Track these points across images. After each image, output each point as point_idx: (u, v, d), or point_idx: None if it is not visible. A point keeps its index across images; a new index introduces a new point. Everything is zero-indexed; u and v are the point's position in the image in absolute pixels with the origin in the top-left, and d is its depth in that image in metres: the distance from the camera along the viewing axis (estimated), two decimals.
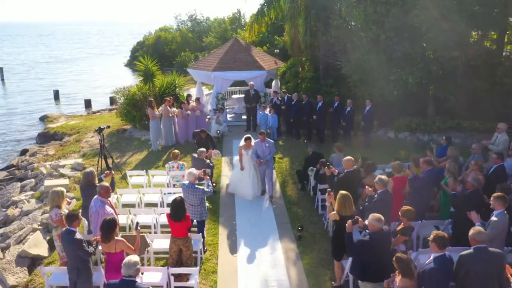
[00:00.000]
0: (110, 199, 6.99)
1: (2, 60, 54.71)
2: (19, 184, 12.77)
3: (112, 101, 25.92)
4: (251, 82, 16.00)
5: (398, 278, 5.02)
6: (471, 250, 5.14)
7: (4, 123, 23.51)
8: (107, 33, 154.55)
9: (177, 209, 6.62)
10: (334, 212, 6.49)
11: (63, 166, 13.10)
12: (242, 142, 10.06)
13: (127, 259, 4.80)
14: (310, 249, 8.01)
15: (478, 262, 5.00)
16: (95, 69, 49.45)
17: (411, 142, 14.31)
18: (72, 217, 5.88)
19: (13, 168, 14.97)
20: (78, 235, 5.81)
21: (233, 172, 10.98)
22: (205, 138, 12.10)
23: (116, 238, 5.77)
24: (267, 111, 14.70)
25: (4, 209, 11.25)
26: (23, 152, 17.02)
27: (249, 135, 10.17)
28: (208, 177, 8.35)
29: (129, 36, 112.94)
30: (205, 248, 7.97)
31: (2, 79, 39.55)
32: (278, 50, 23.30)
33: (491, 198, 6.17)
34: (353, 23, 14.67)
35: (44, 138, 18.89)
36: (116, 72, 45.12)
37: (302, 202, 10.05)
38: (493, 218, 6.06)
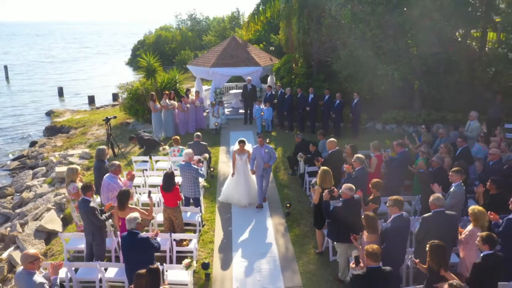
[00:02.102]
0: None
1: (2, 60, 55.48)
2: (30, 171, 13.75)
3: (115, 97, 26.77)
4: (249, 77, 16.83)
5: (365, 235, 5.96)
6: (431, 213, 6.02)
7: (12, 118, 24.47)
8: (106, 32, 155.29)
9: (167, 181, 7.51)
10: (317, 186, 7.41)
11: (72, 155, 14.04)
12: (235, 146, 9.55)
13: (128, 216, 5.83)
14: (297, 223, 8.96)
15: (437, 223, 5.86)
16: (96, 67, 50.37)
17: (398, 133, 15.16)
18: (86, 188, 6.86)
19: (23, 158, 15.95)
20: (92, 204, 6.77)
21: (227, 181, 9.98)
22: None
23: (129, 206, 6.72)
24: (262, 105, 15.61)
25: (18, 194, 12.24)
26: (33, 143, 17.98)
27: (243, 139, 9.51)
28: (202, 164, 9.21)
29: (127, 35, 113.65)
30: (203, 223, 8.91)
31: (7, 77, 40.45)
32: (273, 48, 24.18)
33: (450, 172, 7.11)
34: (342, 22, 15.53)
35: (51, 131, 19.84)
36: (118, 71, 45.90)
37: (292, 185, 10.99)
38: (452, 189, 6.99)
